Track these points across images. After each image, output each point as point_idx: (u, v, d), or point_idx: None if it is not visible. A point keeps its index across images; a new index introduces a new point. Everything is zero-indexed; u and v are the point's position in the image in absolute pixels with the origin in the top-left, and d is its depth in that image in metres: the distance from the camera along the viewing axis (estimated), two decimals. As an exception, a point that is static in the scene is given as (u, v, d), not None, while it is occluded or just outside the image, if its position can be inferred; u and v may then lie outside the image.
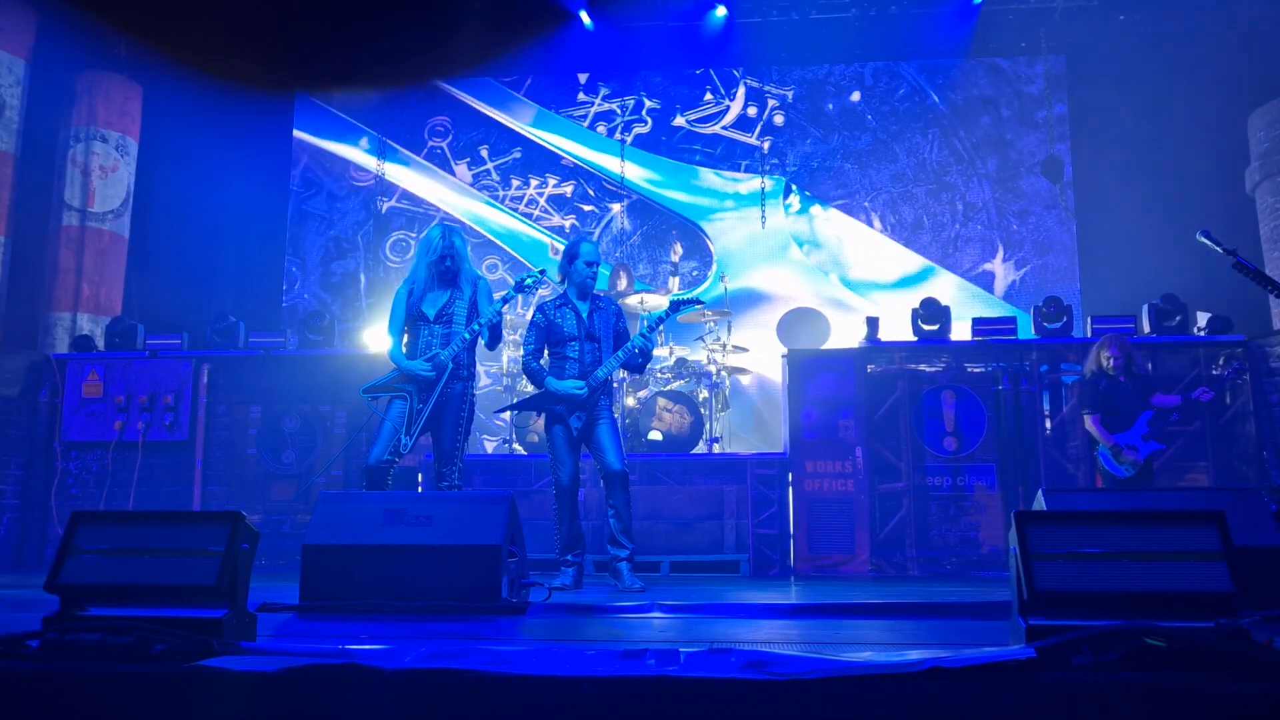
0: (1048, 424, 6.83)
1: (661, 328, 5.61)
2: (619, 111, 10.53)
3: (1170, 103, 8.74)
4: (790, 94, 10.35)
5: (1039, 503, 3.35)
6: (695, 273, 10.06)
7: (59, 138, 8.97)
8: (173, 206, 9.39)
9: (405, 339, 5.01)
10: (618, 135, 10.45)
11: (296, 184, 10.73)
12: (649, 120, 10.47)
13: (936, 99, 10.14)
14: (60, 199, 8.88)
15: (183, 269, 9.34)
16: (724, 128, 10.38)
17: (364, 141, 10.70)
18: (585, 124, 10.54)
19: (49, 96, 8.71)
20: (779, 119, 10.30)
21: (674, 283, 8.37)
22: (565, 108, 10.61)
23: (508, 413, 6.87)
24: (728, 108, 10.40)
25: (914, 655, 1.98)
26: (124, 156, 9.13)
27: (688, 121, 10.42)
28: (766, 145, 10.26)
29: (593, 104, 10.58)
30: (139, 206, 9.24)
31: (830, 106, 10.27)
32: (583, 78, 10.59)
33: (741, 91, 10.43)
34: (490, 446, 9.35)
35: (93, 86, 9.04)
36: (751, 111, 10.37)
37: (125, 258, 9.14)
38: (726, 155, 10.34)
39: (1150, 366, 6.42)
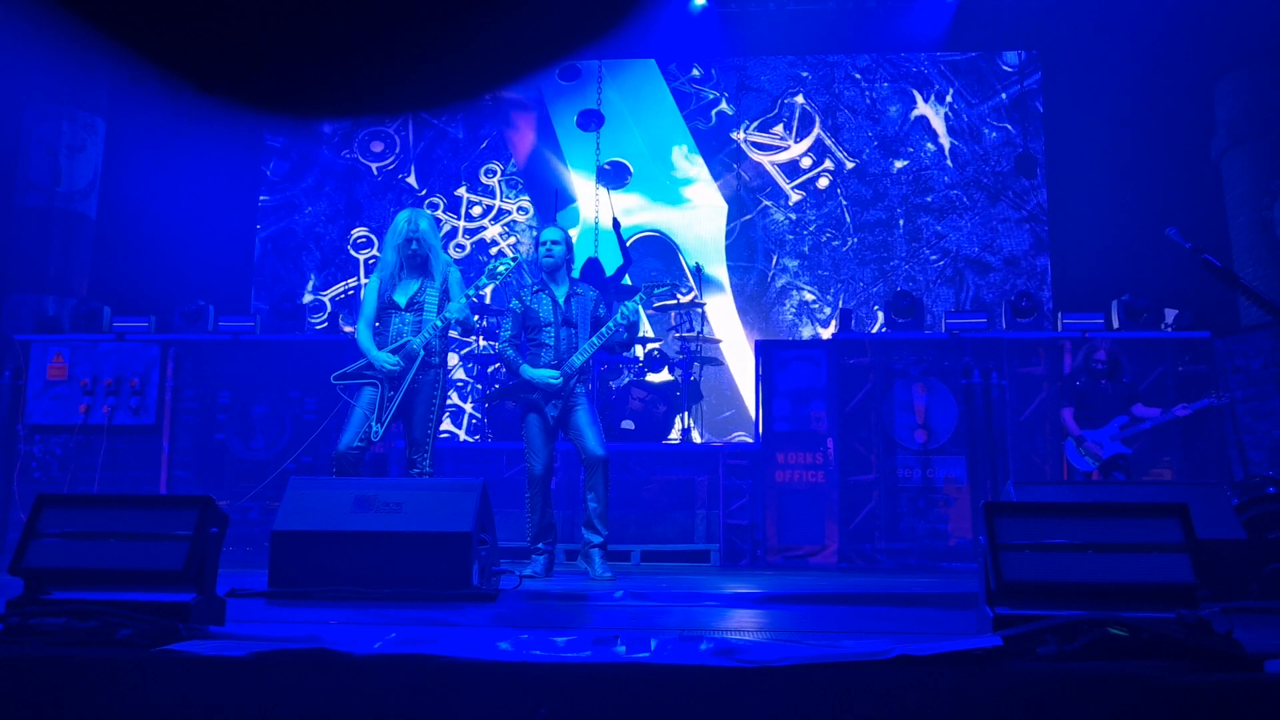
0: (1017, 417, 6.90)
1: (642, 311, 5.57)
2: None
3: (1139, 82, 8.75)
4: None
5: (1008, 495, 3.38)
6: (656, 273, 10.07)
7: (25, 116, 8.79)
8: (142, 188, 9.21)
9: (377, 326, 4.97)
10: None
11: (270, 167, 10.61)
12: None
13: (909, 91, 10.17)
14: (25, 178, 8.71)
15: (150, 251, 9.18)
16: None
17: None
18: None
19: (15, 73, 8.54)
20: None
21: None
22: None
23: (486, 403, 6.82)
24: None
25: (882, 644, 2.00)
26: (92, 136, 8.98)
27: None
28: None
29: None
30: (107, 187, 9.06)
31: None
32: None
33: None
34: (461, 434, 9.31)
35: (61, 65, 8.86)
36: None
37: (92, 239, 8.99)
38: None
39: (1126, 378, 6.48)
